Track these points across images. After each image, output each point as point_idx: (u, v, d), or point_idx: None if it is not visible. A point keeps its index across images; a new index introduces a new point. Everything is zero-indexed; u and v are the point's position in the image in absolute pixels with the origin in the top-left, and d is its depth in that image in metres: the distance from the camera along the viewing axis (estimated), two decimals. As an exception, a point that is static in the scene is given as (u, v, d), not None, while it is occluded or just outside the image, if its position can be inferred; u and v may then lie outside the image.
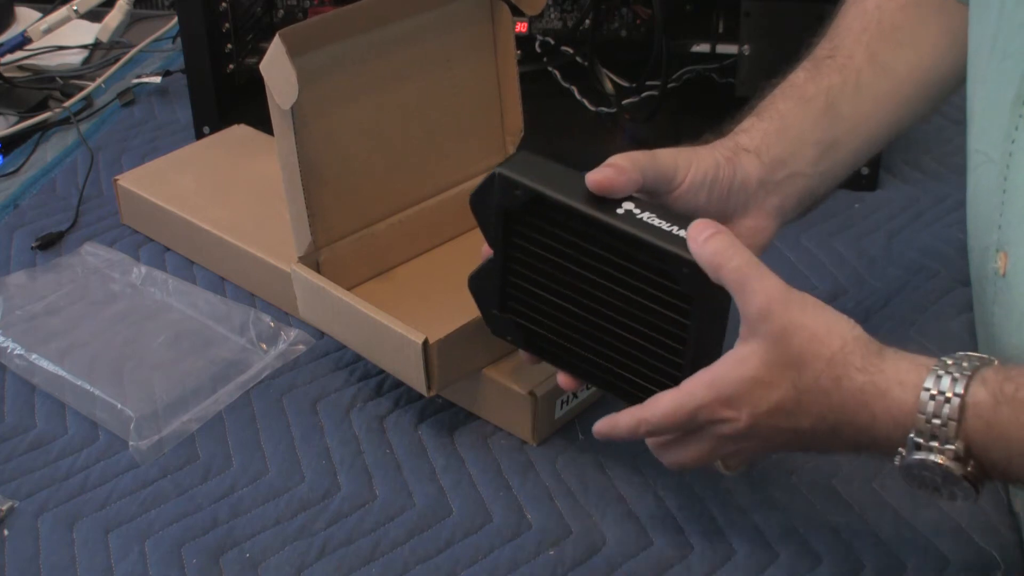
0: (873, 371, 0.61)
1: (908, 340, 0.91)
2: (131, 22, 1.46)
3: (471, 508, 0.78)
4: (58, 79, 1.34)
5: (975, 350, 0.62)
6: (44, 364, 0.89)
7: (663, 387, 0.68)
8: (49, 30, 1.31)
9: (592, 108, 1.17)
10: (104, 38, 1.41)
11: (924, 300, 0.95)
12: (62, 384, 0.87)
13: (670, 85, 1.17)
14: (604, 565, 0.73)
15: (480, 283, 0.76)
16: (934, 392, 0.59)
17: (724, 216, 0.74)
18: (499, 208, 0.71)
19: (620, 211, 0.67)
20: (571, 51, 1.21)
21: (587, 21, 1.19)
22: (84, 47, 1.40)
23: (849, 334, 0.62)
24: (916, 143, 1.16)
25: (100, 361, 0.89)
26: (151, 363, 0.89)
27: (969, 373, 0.59)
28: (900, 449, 0.61)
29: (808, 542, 0.75)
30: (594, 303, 0.70)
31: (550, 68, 1.21)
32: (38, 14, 1.41)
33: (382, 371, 0.88)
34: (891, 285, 0.97)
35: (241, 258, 0.97)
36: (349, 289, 0.86)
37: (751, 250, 0.71)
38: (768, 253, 1.01)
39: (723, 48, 1.16)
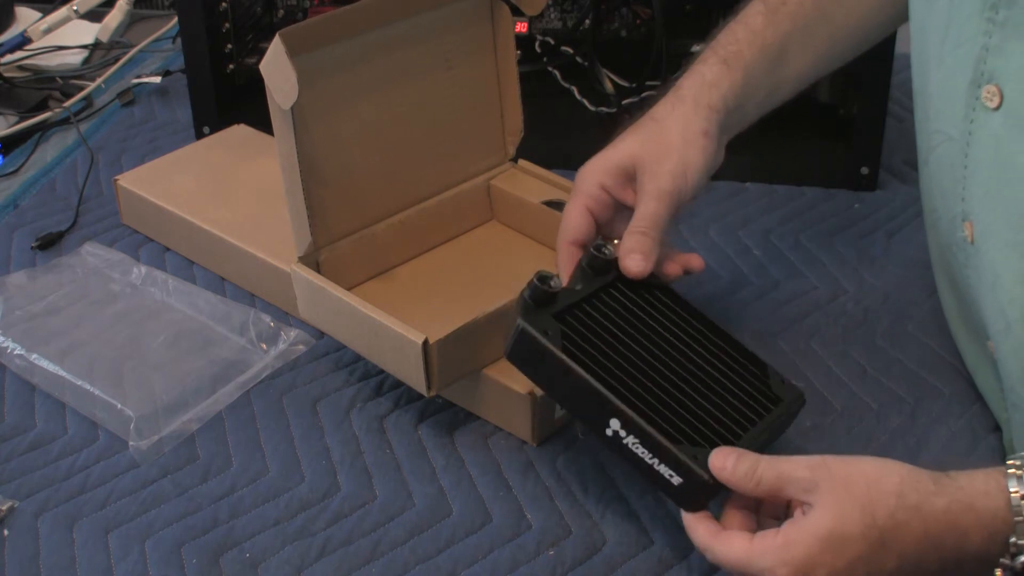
0: (952, 491, 0.61)
1: (906, 335, 0.91)
2: (131, 22, 1.46)
3: (471, 508, 0.78)
4: (58, 79, 1.34)
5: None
6: (44, 364, 0.89)
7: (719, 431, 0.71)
8: (49, 30, 1.31)
9: (592, 108, 1.17)
10: (104, 38, 1.41)
11: (921, 295, 0.95)
12: (62, 384, 0.87)
13: (670, 85, 1.17)
14: (604, 565, 0.74)
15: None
16: (1023, 493, 0.61)
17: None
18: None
19: (608, 432, 0.69)
20: (571, 51, 1.21)
21: (587, 21, 1.19)
22: (84, 47, 1.40)
23: (902, 467, 0.63)
24: (916, 143, 1.16)
25: (100, 361, 0.89)
26: (151, 363, 0.89)
27: None
28: (1002, 559, 0.61)
29: (808, 542, 0.75)
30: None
31: (550, 68, 1.21)
32: (38, 14, 1.41)
33: (382, 371, 0.88)
34: (891, 284, 0.97)
35: (241, 258, 0.97)
36: (349, 289, 0.86)
37: (710, 176, 0.82)
38: (768, 253, 1.02)
39: (723, 48, 1.16)
